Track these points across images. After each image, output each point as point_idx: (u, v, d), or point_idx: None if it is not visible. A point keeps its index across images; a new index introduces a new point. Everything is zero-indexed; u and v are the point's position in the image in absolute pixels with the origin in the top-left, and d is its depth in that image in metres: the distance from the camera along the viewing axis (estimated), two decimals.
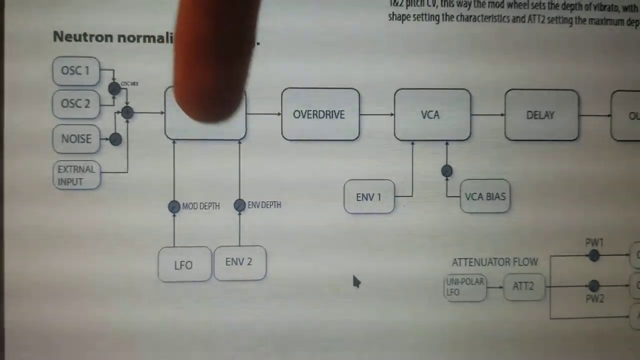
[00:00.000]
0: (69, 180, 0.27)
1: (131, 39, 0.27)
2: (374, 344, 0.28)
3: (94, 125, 0.27)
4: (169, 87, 0.27)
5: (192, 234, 0.28)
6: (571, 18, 0.29)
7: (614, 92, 0.29)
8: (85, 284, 0.27)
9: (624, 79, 0.29)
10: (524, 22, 0.29)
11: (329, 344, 0.28)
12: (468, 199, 0.29)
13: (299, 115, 0.28)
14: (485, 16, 0.28)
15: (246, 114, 0.28)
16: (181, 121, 0.27)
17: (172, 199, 0.27)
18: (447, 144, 0.28)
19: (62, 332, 0.27)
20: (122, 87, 0.27)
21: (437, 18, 0.28)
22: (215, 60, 0.11)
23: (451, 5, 0.28)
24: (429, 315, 0.28)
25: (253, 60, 0.11)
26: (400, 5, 0.28)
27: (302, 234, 0.28)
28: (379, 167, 0.28)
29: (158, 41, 0.27)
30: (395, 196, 0.28)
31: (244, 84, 0.11)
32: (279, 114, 0.28)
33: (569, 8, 0.29)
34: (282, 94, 0.28)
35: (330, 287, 0.28)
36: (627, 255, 0.29)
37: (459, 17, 0.28)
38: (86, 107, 0.27)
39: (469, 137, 0.28)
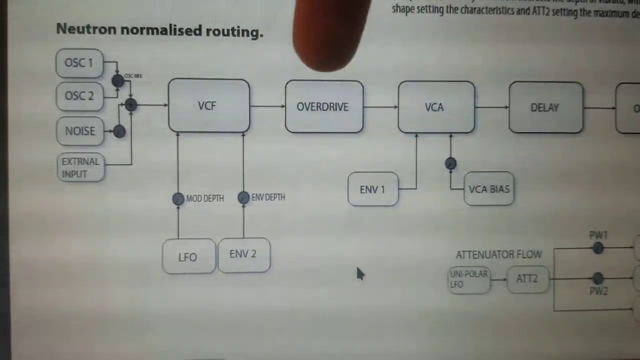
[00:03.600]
0: (73, 173, 0.27)
1: (134, 30, 0.27)
2: (378, 335, 0.28)
3: (98, 118, 0.27)
4: (173, 78, 0.27)
5: (196, 225, 0.28)
6: (576, 10, 0.29)
7: (619, 84, 0.29)
8: (90, 277, 0.27)
9: (629, 71, 0.29)
10: (529, 14, 0.28)
11: (332, 335, 0.28)
12: (472, 191, 0.28)
13: (303, 108, 0.28)
14: (490, 8, 0.28)
15: (250, 106, 0.28)
16: (185, 113, 0.27)
17: (176, 191, 0.27)
18: (451, 136, 0.28)
19: (66, 323, 0.27)
20: (125, 79, 0.27)
21: (441, 10, 0.28)
22: (337, 13, 0.11)
23: None
24: (432, 307, 0.28)
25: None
26: None
27: (306, 226, 0.28)
28: (383, 159, 0.28)
29: (161, 33, 0.27)
30: (399, 188, 0.28)
31: (361, 35, 0.12)
32: (282, 106, 0.28)
33: (573, 0, 0.29)
34: (285, 86, 0.28)
35: (334, 279, 0.28)
36: (631, 247, 0.29)
37: (463, 9, 0.28)
38: (90, 99, 0.27)
39: (473, 129, 0.28)
